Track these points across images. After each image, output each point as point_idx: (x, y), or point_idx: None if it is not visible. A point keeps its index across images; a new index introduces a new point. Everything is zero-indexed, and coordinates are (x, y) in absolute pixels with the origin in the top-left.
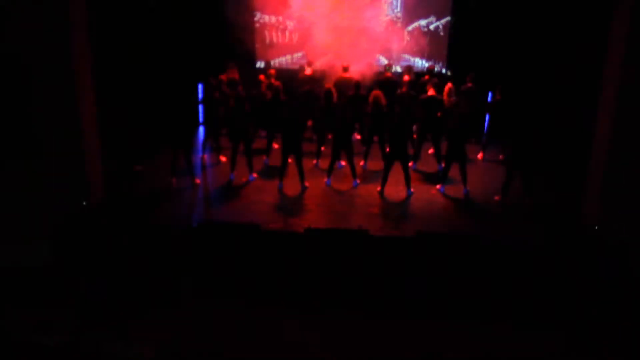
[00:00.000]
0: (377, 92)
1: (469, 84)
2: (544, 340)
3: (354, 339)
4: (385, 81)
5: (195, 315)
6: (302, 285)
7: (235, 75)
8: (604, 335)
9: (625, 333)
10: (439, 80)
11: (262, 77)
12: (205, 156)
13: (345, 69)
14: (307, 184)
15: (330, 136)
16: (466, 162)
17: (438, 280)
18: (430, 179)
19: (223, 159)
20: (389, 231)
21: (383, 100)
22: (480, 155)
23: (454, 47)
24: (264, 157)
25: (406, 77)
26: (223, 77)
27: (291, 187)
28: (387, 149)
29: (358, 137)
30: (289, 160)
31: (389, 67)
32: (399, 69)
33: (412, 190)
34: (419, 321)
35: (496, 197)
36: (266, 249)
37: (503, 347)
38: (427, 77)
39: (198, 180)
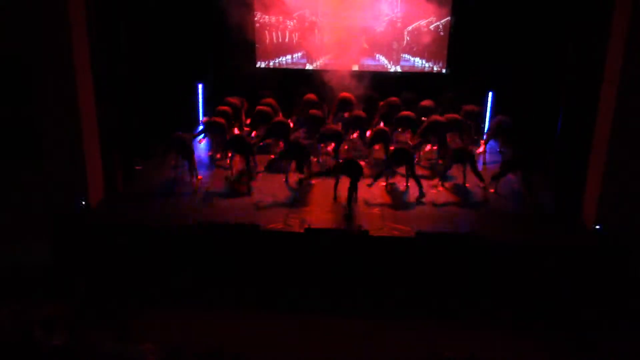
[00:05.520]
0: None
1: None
2: (544, 340)
3: (354, 338)
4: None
5: (195, 315)
6: (302, 285)
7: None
8: (604, 335)
9: (625, 333)
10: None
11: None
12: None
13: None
14: (313, 182)
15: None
16: (475, 161)
17: (438, 280)
18: (430, 179)
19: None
20: (389, 231)
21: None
22: (481, 149)
23: (454, 47)
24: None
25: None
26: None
27: (291, 187)
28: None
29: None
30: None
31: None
32: (399, 69)
33: (423, 191)
34: (419, 321)
35: (491, 190)
36: (266, 249)
37: (503, 346)
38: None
39: (200, 177)
